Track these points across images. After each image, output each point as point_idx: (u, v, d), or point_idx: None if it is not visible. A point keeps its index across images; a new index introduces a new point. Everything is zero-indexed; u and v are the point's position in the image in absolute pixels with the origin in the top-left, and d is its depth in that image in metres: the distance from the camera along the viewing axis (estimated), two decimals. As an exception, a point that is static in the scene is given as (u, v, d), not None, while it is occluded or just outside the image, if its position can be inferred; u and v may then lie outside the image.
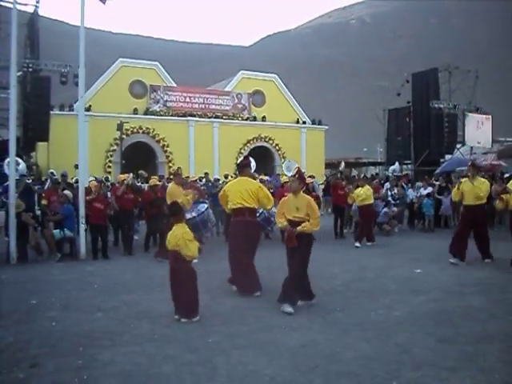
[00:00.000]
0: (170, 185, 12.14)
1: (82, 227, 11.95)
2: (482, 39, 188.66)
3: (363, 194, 14.07)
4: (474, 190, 10.61)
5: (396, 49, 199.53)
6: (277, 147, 36.47)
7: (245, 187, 8.28)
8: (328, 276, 9.39)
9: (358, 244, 13.64)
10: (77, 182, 13.55)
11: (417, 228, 17.67)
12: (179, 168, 12.86)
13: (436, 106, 29.39)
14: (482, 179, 11.15)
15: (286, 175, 17.21)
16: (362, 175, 18.29)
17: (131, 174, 13.65)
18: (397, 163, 23.85)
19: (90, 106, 29.05)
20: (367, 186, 14.49)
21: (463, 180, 11.14)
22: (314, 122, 38.88)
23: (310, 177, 16.66)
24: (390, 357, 5.11)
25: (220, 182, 17.46)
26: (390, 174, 20.85)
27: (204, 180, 19.51)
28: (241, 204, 8.20)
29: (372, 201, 14.40)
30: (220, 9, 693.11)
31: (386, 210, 16.31)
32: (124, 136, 29.18)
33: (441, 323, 6.25)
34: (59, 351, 5.39)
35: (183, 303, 6.53)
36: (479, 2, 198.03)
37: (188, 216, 12.21)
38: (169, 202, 11.21)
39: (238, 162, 9.00)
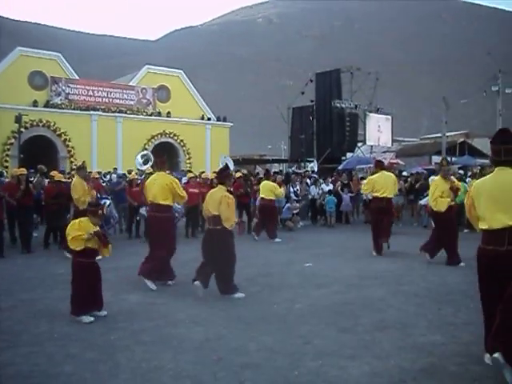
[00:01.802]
0: (74, 179, 11.78)
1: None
2: (384, 44, 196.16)
3: (267, 189, 14.39)
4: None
5: (301, 49, 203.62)
6: (181, 143, 36.24)
7: (160, 182, 8.38)
8: (233, 271, 9.45)
9: (256, 237, 14.03)
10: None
11: (319, 223, 18.12)
12: (84, 162, 12.47)
13: (338, 105, 30.29)
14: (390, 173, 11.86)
15: None
16: (272, 171, 18.59)
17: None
18: (315, 160, 24.28)
19: (-15, 96, 27.62)
20: (272, 183, 14.80)
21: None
22: (218, 119, 38.98)
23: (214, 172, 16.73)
24: (292, 348, 5.23)
25: (124, 178, 17.02)
26: (310, 171, 21.39)
27: (108, 176, 19.07)
28: (151, 199, 8.41)
29: (273, 197, 14.55)
30: (126, 1, 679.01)
31: (288, 205, 16.63)
32: (22, 129, 27.99)
33: (341, 314, 6.46)
34: (-50, 353, 5.11)
35: (100, 296, 6.54)
36: (382, 8, 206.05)
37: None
38: (74, 196, 11.03)
39: (157, 159, 9.01)
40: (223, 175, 7.76)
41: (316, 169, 22.51)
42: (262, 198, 14.46)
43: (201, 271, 7.42)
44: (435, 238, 10.15)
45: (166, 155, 9.38)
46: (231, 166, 17.19)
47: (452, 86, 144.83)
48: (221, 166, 16.90)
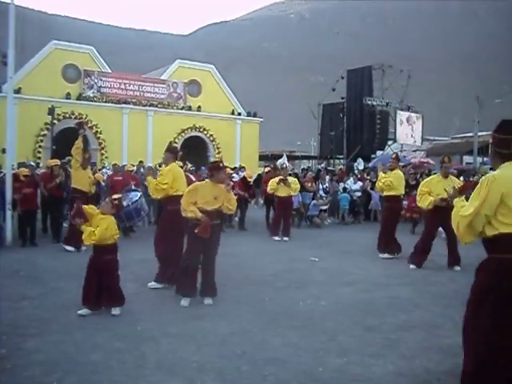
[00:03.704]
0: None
1: (9, 213, 11.58)
2: (417, 41, 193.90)
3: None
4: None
5: (333, 45, 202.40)
6: (211, 138, 36.33)
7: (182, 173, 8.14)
8: (258, 266, 9.48)
9: (277, 238, 13.43)
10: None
11: (347, 221, 18.02)
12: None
13: (369, 102, 30.07)
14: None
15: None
16: (301, 168, 18.50)
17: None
18: (360, 159, 23.97)
19: (20, 88, 28.02)
20: (293, 178, 14.45)
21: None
22: (249, 114, 38.96)
23: (242, 167, 16.79)
24: (317, 345, 5.24)
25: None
26: (356, 169, 21.28)
27: (135, 168, 19.19)
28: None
29: (293, 193, 14.16)
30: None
31: (314, 202, 16.55)
32: (55, 121, 28.35)
33: (367, 313, 6.44)
34: (-19, 340, 5.22)
35: (118, 292, 6.38)
36: (415, 5, 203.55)
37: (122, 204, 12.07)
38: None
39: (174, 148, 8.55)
40: (213, 167, 7.12)
41: (362, 167, 22.22)
42: (279, 196, 13.85)
43: None
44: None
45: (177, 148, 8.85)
46: (285, 163, 17.27)
47: (486, 85, 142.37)
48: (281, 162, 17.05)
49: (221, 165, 7.08)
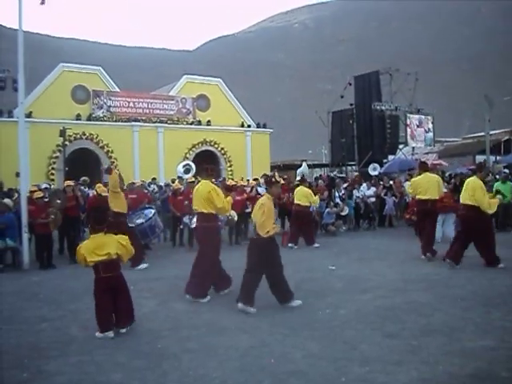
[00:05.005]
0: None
1: (26, 236, 11.65)
2: (423, 42, 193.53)
3: (302, 195, 14.00)
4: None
5: (338, 52, 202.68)
6: (222, 151, 36.42)
7: (199, 191, 8.16)
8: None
9: (295, 246, 13.71)
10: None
11: (362, 228, 17.95)
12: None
13: (378, 107, 30.05)
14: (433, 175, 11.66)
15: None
16: (313, 176, 18.49)
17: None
18: (375, 164, 23.88)
19: (31, 112, 28.31)
20: (307, 189, 14.31)
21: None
22: (258, 126, 39.03)
23: (254, 180, 16.82)
24: (338, 354, 5.20)
25: (170, 187, 17.24)
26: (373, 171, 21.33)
27: (153, 186, 19.36)
28: (195, 209, 8.28)
29: (308, 203, 14.14)
30: (163, 13, 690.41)
31: (328, 210, 16.49)
32: (67, 142, 28.58)
33: (387, 319, 6.39)
34: (3, 365, 5.23)
35: (125, 311, 6.37)
36: (418, 5, 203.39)
37: (137, 222, 12.13)
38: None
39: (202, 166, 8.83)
40: (268, 182, 7.64)
41: (376, 173, 22.15)
42: (298, 205, 13.99)
43: (242, 289, 7.20)
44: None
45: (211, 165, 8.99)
46: (305, 172, 17.29)
47: (494, 83, 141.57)
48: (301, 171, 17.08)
49: (273, 179, 7.58)
